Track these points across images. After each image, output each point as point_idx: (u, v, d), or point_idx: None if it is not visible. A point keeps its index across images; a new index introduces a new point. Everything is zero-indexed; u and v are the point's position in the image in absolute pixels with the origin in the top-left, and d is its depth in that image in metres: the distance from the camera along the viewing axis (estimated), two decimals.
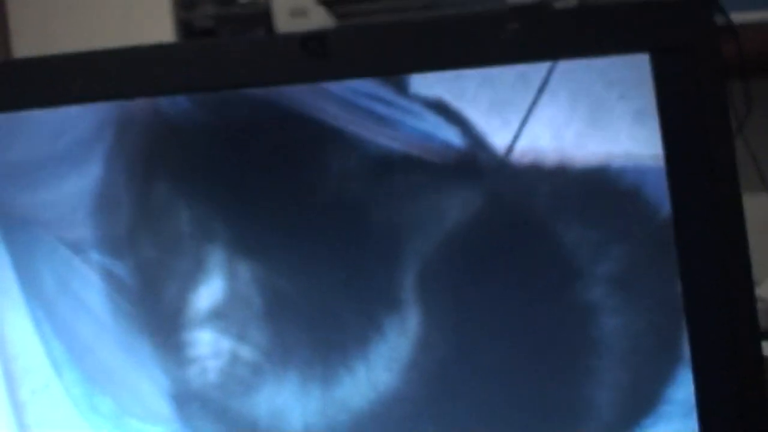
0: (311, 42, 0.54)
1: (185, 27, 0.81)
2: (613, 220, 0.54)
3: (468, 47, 0.54)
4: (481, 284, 0.55)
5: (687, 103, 0.53)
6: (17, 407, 0.57)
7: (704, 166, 0.53)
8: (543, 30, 0.54)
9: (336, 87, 0.56)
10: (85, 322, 0.57)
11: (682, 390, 0.54)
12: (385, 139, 0.56)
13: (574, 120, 0.54)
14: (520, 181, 0.55)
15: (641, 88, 0.53)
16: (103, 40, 0.60)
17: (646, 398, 0.53)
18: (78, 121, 0.58)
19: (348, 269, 0.55)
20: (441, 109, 0.56)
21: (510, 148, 0.55)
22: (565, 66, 0.55)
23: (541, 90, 0.54)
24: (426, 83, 0.56)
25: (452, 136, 0.56)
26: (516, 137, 0.55)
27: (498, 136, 0.55)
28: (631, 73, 0.54)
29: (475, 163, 0.55)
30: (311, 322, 0.56)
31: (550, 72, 0.55)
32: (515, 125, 0.55)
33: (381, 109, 0.56)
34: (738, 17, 0.58)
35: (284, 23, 0.66)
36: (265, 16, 0.76)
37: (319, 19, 0.62)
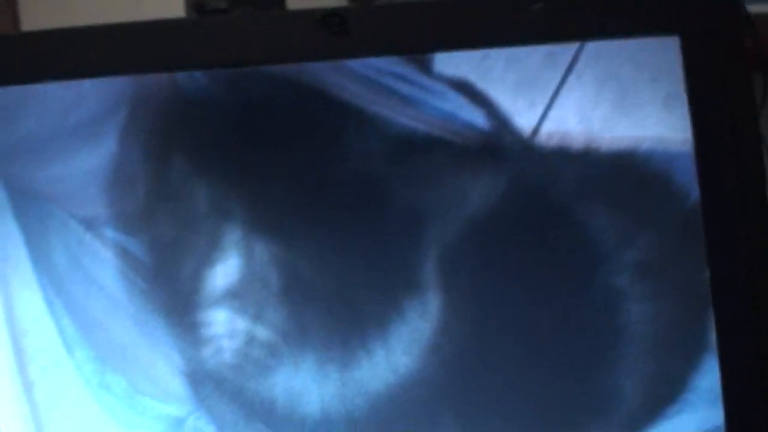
0: (332, 18, 0.53)
1: (197, 8, 0.80)
2: (641, 205, 0.54)
3: (494, 26, 0.54)
4: (503, 269, 0.55)
5: (717, 88, 0.53)
6: (27, 385, 0.57)
7: (733, 152, 0.52)
8: (571, 9, 0.54)
9: (357, 65, 0.55)
10: (98, 300, 0.56)
11: (708, 378, 0.54)
12: (407, 119, 0.55)
13: (602, 102, 0.54)
14: (545, 164, 0.55)
15: (671, 71, 0.53)
16: (111, 16, 0.59)
17: (670, 386, 0.53)
18: (91, 95, 0.57)
19: (368, 251, 0.55)
20: (465, 89, 0.55)
21: (535, 131, 0.55)
22: (593, 47, 0.55)
23: (568, 71, 0.54)
24: (450, 62, 0.55)
25: (476, 117, 0.55)
26: (542, 119, 0.55)
27: (523, 118, 0.55)
28: (661, 56, 0.53)
29: (500, 145, 0.55)
30: (330, 303, 0.55)
31: (578, 53, 0.55)
32: (541, 107, 0.55)
33: (403, 88, 0.55)
34: (753, 9, 0.58)
35: (297, 3, 0.66)
36: None
37: None
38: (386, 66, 0.55)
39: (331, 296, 0.55)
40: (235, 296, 0.56)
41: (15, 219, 0.57)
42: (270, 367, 0.55)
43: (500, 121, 0.55)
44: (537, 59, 0.55)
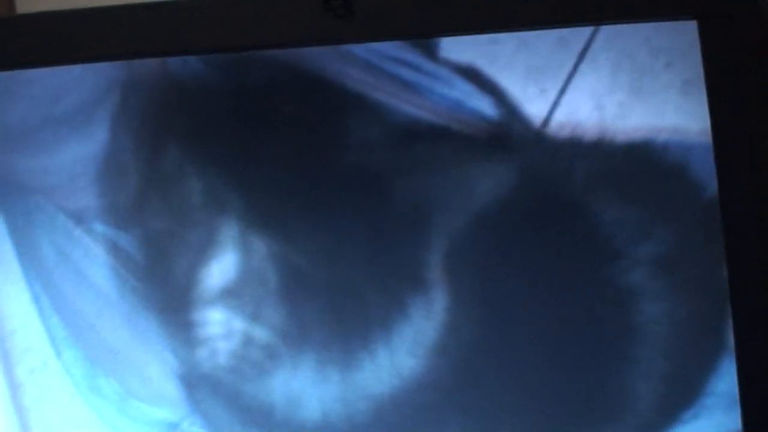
0: (335, 1, 0.51)
1: None
2: (656, 198, 0.53)
3: (503, 9, 0.53)
4: (512, 265, 0.54)
5: (735, 74, 0.51)
6: (14, 387, 0.55)
7: (752, 142, 0.51)
8: None
9: (360, 49, 0.54)
10: (87, 298, 0.55)
11: (725, 381, 0.53)
12: (411, 107, 0.54)
13: (617, 89, 0.53)
14: (557, 155, 0.54)
15: (688, 56, 0.52)
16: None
17: (686, 389, 0.52)
18: (81, 81, 0.56)
19: (370, 246, 0.54)
20: (473, 75, 0.54)
21: (547, 120, 0.54)
22: (608, 31, 0.53)
23: (581, 56, 0.53)
24: (457, 47, 0.54)
25: (484, 105, 0.54)
26: (553, 107, 0.53)
27: (534, 106, 0.54)
28: (678, 41, 0.52)
29: (509, 134, 0.54)
30: (330, 301, 0.54)
31: (591, 37, 0.53)
32: (553, 94, 0.54)
33: (408, 74, 0.54)
34: None
35: None
36: None
37: None
38: (390, 51, 0.54)
39: (332, 294, 0.54)
40: (231, 294, 0.55)
41: (1, 212, 0.55)
42: (268, 370, 0.54)
43: (509, 109, 0.54)
44: (548, 44, 0.54)
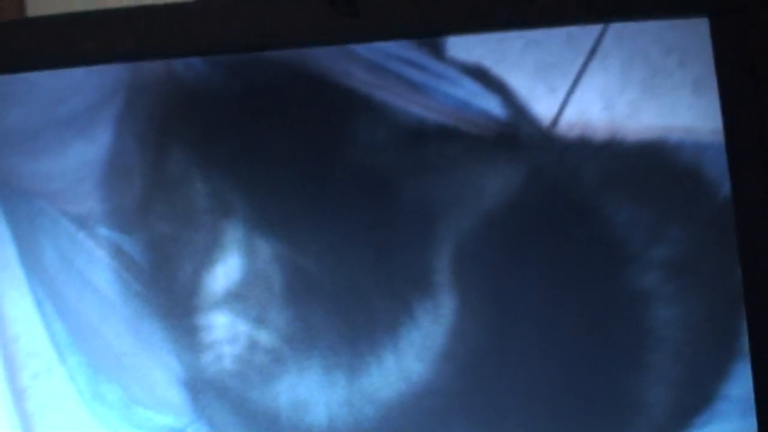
0: (340, 0, 0.51)
1: None
2: (669, 199, 0.53)
3: (511, 7, 0.53)
4: (521, 268, 0.54)
5: (747, 72, 0.51)
6: (17, 393, 0.56)
7: (766, 142, 0.50)
8: None
9: (366, 49, 0.54)
10: (91, 303, 0.55)
11: (740, 386, 0.53)
12: (418, 108, 0.54)
13: (628, 88, 0.53)
14: (566, 155, 0.54)
15: (700, 54, 0.51)
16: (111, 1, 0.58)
17: (700, 395, 0.52)
18: (85, 84, 0.56)
19: (377, 249, 0.54)
20: (480, 74, 0.54)
21: (556, 119, 0.54)
22: (618, 29, 0.53)
23: (591, 54, 0.53)
24: (464, 46, 0.54)
25: (492, 104, 0.54)
26: (563, 107, 0.53)
27: (542, 106, 0.54)
28: (690, 39, 0.51)
29: (517, 135, 0.54)
30: (337, 305, 0.54)
31: (601, 35, 0.53)
32: (562, 93, 0.54)
33: (414, 74, 0.54)
34: None
35: None
36: None
37: None
38: (396, 51, 0.54)
39: (339, 298, 0.54)
40: (236, 298, 0.55)
41: (2, 216, 0.56)
42: (274, 375, 0.54)
43: (517, 109, 0.54)
44: (557, 42, 0.53)
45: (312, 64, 0.54)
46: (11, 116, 0.56)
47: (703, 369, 0.51)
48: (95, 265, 0.55)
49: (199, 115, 0.54)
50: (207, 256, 0.54)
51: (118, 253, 0.55)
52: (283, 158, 0.54)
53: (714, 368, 0.51)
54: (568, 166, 0.52)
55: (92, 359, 0.55)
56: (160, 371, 0.55)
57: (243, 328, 0.54)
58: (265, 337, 0.54)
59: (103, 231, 0.55)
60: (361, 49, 0.54)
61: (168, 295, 0.55)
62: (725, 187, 0.51)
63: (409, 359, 0.53)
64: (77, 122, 0.55)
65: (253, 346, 0.54)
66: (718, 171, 0.51)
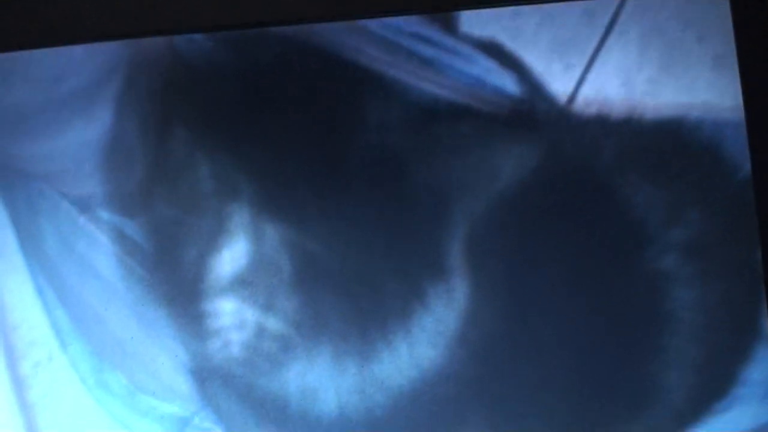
0: None
1: None
2: (688, 179, 0.53)
3: None
4: (536, 251, 0.53)
5: None
6: (18, 382, 0.55)
7: None
8: None
9: (376, 25, 0.54)
10: (93, 289, 0.55)
11: (761, 370, 0.52)
12: (430, 85, 0.54)
13: (646, 64, 0.53)
14: (583, 133, 0.53)
15: (720, 30, 0.51)
16: None
17: (719, 379, 0.52)
18: (84, 62, 0.56)
19: (388, 232, 0.54)
20: (494, 51, 0.54)
21: (572, 96, 0.53)
22: (636, 3, 0.53)
23: (608, 30, 0.52)
24: (478, 21, 0.54)
25: (507, 81, 0.54)
26: (579, 84, 0.53)
27: (559, 82, 0.53)
28: (710, 14, 0.51)
29: (533, 112, 0.53)
30: (347, 291, 0.54)
31: (619, 9, 0.53)
32: (578, 70, 0.53)
33: (426, 50, 0.54)
34: None
35: None
36: None
37: None
38: (407, 26, 0.54)
39: (349, 283, 0.54)
40: (243, 284, 0.54)
41: (1, 200, 0.55)
42: (282, 362, 0.54)
43: (533, 86, 0.53)
44: (573, 17, 0.53)
45: (321, 40, 0.53)
46: (9, 96, 0.56)
47: (723, 352, 0.51)
48: (97, 250, 0.55)
49: (202, 94, 0.54)
50: (213, 241, 0.54)
51: (120, 237, 0.55)
52: (291, 138, 0.53)
53: (734, 352, 0.51)
54: (584, 145, 0.52)
55: (95, 347, 0.55)
56: (165, 358, 0.54)
57: (250, 314, 0.54)
58: (273, 324, 0.53)
59: (104, 214, 0.55)
60: (372, 24, 0.53)
61: (173, 280, 0.54)
62: (746, 166, 0.51)
63: (421, 345, 0.52)
64: (77, 101, 0.55)
65: (260, 332, 0.53)
66: (738, 149, 0.51)
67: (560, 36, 0.52)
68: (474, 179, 0.53)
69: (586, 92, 0.52)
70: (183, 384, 0.55)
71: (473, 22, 0.53)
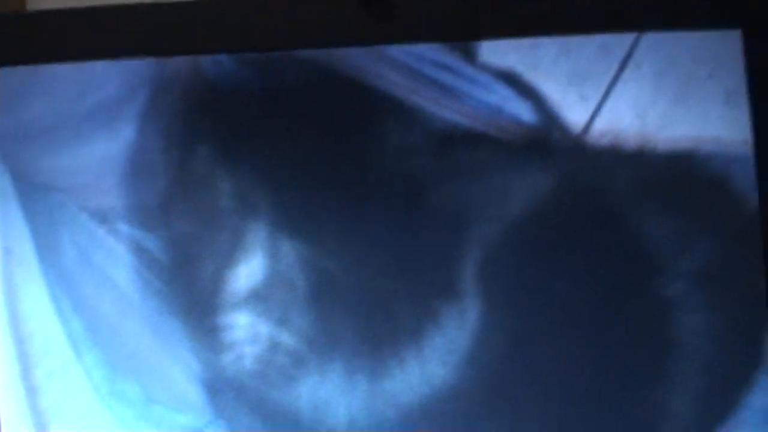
0: (375, 2, 0.53)
1: None
2: (697, 210, 0.56)
3: (545, 13, 0.56)
4: (548, 276, 0.57)
5: None
6: (31, 391, 0.59)
7: None
8: None
9: (397, 52, 0.57)
10: (110, 300, 0.58)
11: (764, 396, 0.55)
12: (449, 112, 0.57)
13: (660, 98, 0.56)
14: (596, 163, 0.56)
15: (732, 66, 0.54)
16: None
17: (723, 404, 0.55)
18: (109, 77, 0.59)
19: (403, 252, 0.57)
20: (512, 80, 0.57)
21: (587, 127, 0.56)
22: (651, 38, 0.56)
23: (624, 64, 0.56)
24: (497, 51, 0.57)
25: (523, 110, 0.57)
26: (594, 115, 0.56)
27: (574, 113, 0.57)
28: (722, 50, 0.54)
29: (548, 141, 0.57)
30: (360, 308, 0.57)
31: (634, 44, 0.56)
32: (594, 101, 0.56)
33: (446, 78, 0.57)
34: None
35: None
36: None
37: None
38: (428, 54, 0.57)
39: (362, 300, 0.57)
40: (258, 299, 0.58)
41: (21, 210, 0.58)
42: (294, 376, 0.57)
43: (549, 115, 0.56)
44: (590, 50, 0.56)
45: (343, 64, 0.57)
46: (32, 109, 0.58)
47: (728, 378, 0.54)
48: (115, 262, 0.58)
49: (225, 113, 0.57)
50: (230, 256, 0.57)
51: (138, 250, 0.57)
52: (311, 159, 0.57)
53: (738, 378, 0.54)
54: (598, 174, 0.55)
55: (109, 356, 0.58)
56: (179, 370, 0.57)
57: (264, 328, 0.57)
58: (286, 339, 0.56)
59: (123, 227, 0.58)
60: (394, 51, 0.57)
61: (189, 293, 0.57)
62: (753, 198, 0.53)
63: (432, 364, 0.55)
64: (100, 117, 0.58)
65: (274, 347, 0.56)
66: (746, 182, 0.54)
67: (577, 68, 0.56)
68: (489, 204, 0.55)
69: (601, 123, 0.56)
70: (196, 395, 0.57)
71: (492, 51, 0.56)
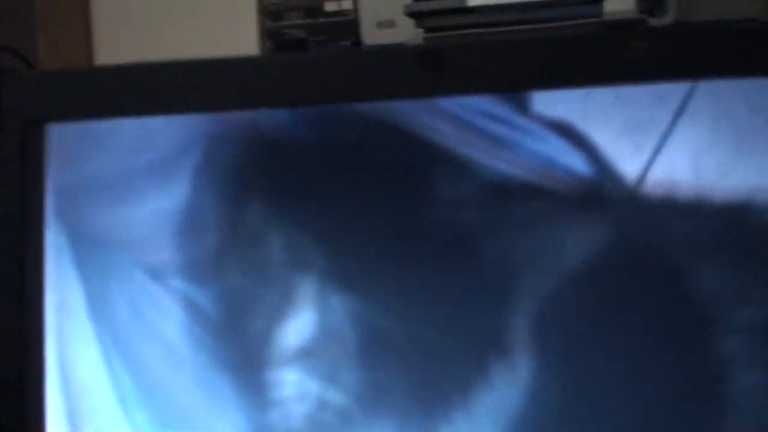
0: (429, 55, 0.59)
1: (275, 40, 0.89)
2: (755, 262, 0.58)
3: (597, 63, 0.60)
4: (602, 331, 0.59)
5: None
6: None
7: None
8: (682, 46, 0.59)
9: (450, 104, 0.61)
10: (159, 355, 0.63)
11: None
12: (501, 164, 0.61)
13: (716, 148, 0.59)
14: (651, 215, 0.59)
15: None
16: (186, 50, 0.66)
17: None
18: (164, 133, 0.64)
19: (454, 307, 0.61)
20: (565, 131, 0.60)
21: (641, 178, 0.59)
22: (706, 87, 0.59)
23: (679, 112, 0.59)
24: (549, 102, 0.60)
25: (576, 161, 0.60)
26: (649, 165, 0.59)
27: (628, 164, 0.59)
28: None
29: (602, 193, 0.60)
30: (410, 365, 0.61)
31: (690, 93, 0.59)
32: (648, 152, 0.59)
33: (498, 129, 0.61)
34: None
35: (371, 35, 0.73)
36: (352, 27, 0.84)
37: (407, 31, 0.68)
38: (480, 105, 0.61)
39: (412, 357, 0.61)
40: (307, 355, 0.62)
41: (74, 264, 0.64)
42: None
43: (602, 166, 0.59)
44: (644, 99, 0.59)
45: (396, 117, 0.61)
46: (88, 164, 0.64)
47: None
48: (166, 317, 0.63)
49: (278, 167, 0.63)
50: (280, 312, 0.62)
51: (189, 305, 0.63)
52: (363, 212, 0.61)
53: None
54: (652, 226, 0.59)
55: (158, 415, 0.63)
56: (227, 427, 0.62)
57: (313, 386, 0.61)
58: (335, 397, 0.61)
59: (175, 282, 0.63)
60: (446, 103, 0.61)
61: (239, 349, 0.62)
62: None
63: (482, 422, 0.59)
64: (156, 172, 0.64)
65: (322, 404, 0.61)
66: None
67: (630, 118, 0.59)
68: (542, 258, 0.59)
69: (656, 173, 0.59)
70: None
71: (544, 102, 0.60)
